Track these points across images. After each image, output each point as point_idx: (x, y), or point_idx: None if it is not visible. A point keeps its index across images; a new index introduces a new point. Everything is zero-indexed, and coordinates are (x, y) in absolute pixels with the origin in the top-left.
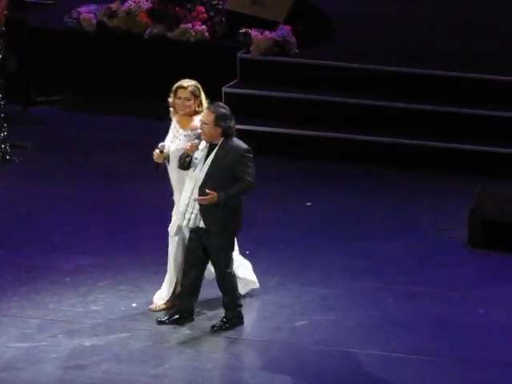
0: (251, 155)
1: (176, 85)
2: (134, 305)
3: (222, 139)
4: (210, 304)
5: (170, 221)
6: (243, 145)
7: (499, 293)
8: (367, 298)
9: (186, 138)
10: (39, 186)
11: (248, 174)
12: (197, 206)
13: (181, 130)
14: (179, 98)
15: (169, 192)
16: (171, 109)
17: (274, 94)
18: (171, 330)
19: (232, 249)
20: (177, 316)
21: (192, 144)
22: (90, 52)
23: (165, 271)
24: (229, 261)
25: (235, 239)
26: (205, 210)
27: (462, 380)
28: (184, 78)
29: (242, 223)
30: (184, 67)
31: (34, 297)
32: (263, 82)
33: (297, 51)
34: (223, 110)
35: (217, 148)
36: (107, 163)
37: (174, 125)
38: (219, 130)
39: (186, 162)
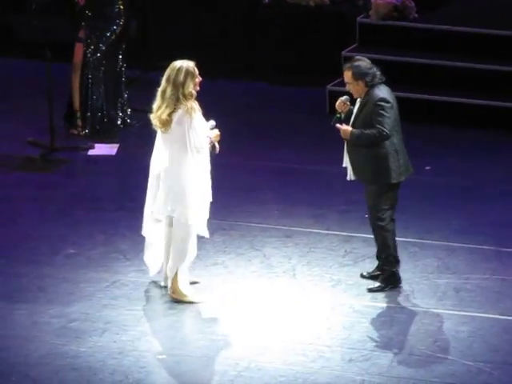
0: (387, 104)
1: (191, 68)
2: (253, 268)
3: (366, 91)
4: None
5: None
6: (380, 93)
7: None
8: (487, 262)
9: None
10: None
11: (380, 123)
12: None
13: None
14: (197, 76)
15: None
16: (191, 94)
17: (392, 58)
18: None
19: (385, 203)
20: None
21: (341, 101)
22: (208, 17)
23: None
24: (380, 214)
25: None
26: (352, 161)
27: None
28: (304, 42)
29: (396, 176)
30: (303, 32)
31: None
32: (382, 46)
33: (416, 16)
34: (359, 64)
35: (361, 99)
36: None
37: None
38: (362, 84)
39: (336, 120)
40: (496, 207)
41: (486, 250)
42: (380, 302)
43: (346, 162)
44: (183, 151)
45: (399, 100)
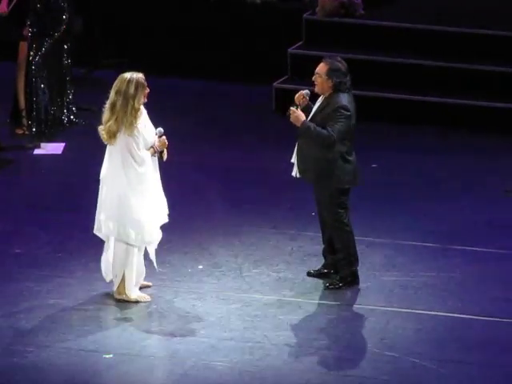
0: (346, 113)
1: (141, 80)
2: (201, 267)
3: (331, 92)
4: None
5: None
6: (343, 100)
7: None
8: (432, 260)
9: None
10: (104, 148)
11: (333, 127)
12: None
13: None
14: (147, 87)
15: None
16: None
17: (338, 55)
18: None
19: (340, 205)
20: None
21: (301, 94)
22: (155, 13)
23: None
24: (338, 216)
25: None
26: (299, 158)
27: None
28: (251, 40)
29: (339, 182)
30: (250, 29)
31: (99, 259)
32: (328, 43)
33: (362, 12)
34: (338, 65)
35: (322, 99)
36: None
37: (142, 127)
38: (330, 83)
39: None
40: (443, 205)
41: (432, 248)
42: (327, 299)
43: (294, 158)
44: (124, 165)
45: None
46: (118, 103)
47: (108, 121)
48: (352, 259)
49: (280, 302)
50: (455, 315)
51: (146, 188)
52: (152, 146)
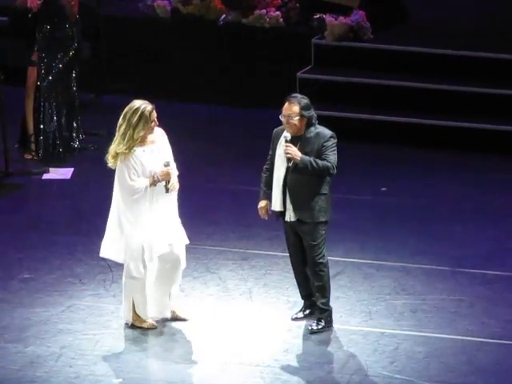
0: (336, 140)
1: (146, 113)
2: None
3: (305, 129)
4: None
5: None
6: (328, 131)
7: None
8: (443, 282)
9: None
10: (112, 173)
11: (332, 158)
12: (280, 202)
13: (151, 147)
14: (153, 121)
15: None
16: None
17: (348, 79)
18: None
19: (322, 240)
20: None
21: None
22: (164, 39)
23: None
24: (320, 251)
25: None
26: (295, 200)
27: None
28: (259, 64)
29: (330, 214)
30: (258, 53)
31: (109, 284)
32: (337, 67)
33: (371, 36)
34: (305, 100)
35: (300, 139)
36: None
37: (140, 153)
38: (305, 121)
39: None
40: (452, 227)
41: (442, 271)
42: (336, 323)
43: (281, 206)
44: (119, 189)
45: (353, 120)
46: (122, 128)
47: (113, 143)
48: (329, 297)
49: (290, 325)
50: (466, 338)
51: (137, 215)
52: (153, 176)
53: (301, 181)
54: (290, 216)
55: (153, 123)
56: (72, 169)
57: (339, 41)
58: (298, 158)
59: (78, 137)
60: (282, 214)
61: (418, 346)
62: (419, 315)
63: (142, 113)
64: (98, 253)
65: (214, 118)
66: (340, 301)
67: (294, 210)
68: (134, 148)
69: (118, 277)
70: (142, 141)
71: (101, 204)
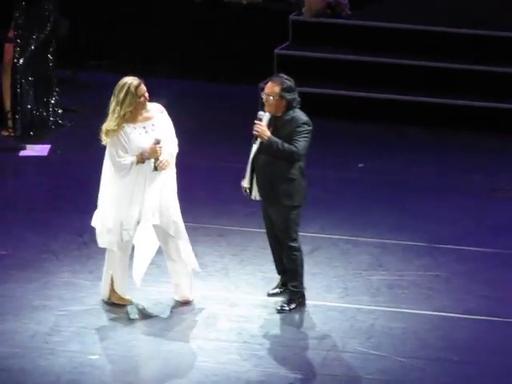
0: (309, 128)
1: (132, 88)
2: None
3: (284, 111)
4: None
5: None
6: (303, 117)
7: None
8: (420, 258)
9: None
10: (90, 150)
11: (299, 144)
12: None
13: (144, 124)
14: (142, 96)
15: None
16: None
17: (325, 55)
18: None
19: (295, 223)
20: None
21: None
22: (140, 16)
23: None
24: (293, 235)
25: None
26: (261, 180)
27: None
28: (236, 41)
29: (300, 199)
30: (236, 30)
31: (85, 260)
32: (315, 44)
33: (349, 13)
34: (288, 83)
35: (277, 120)
36: None
37: (130, 130)
38: (284, 102)
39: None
40: (429, 204)
41: (419, 247)
42: (313, 299)
43: (248, 182)
44: (109, 168)
45: (334, 97)
46: (112, 105)
47: (106, 119)
48: (301, 280)
49: (266, 302)
50: (442, 314)
51: (121, 191)
52: (141, 153)
53: (268, 162)
54: (255, 195)
55: (141, 98)
56: (49, 145)
57: (317, 17)
58: (265, 137)
59: (55, 113)
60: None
61: (395, 322)
62: (396, 291)
63: (128, 88)
64: (75, 229)
65: (189, 93)
66: (317, 277)
67: (259, 189)
68: (124, 125)
69: (95, 253)
70: (134, 117)
71: (78, 180)
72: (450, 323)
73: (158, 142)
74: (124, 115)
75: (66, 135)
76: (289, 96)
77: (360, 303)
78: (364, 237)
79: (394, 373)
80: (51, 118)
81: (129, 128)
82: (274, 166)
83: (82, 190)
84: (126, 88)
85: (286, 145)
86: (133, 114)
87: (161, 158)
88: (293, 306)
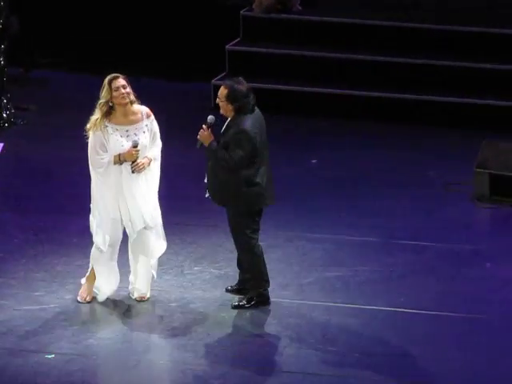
0: (247, 136)
1: (106, 81)
2: None
3: (233, 114)
4: None
5: None
6: (243, 125)
7: (507, 247)
8: (375, 254)
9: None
10: (43, 148)
11: (235, 154)
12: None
13: (127, 127)
14: (117, 90)
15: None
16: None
17: (276, 51)
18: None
19: (246, 227)
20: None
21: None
22: (93, 12)
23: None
24: (244, 238)
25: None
26: (208, 180)
27: (469, 335)
28: (187, 36)
29: (257, 203)
30: (186, 26)
31: (41, 259)
32: (266, 39)
33: (300, 8)
34: (238, 87)
35: (227, 123)
36: None
37: (112, 131)
38: (231, 107)
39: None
40: (383, 199)
41: (373, 243)
42: (270, 296)
43: (206, 179)
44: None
45: (283, 93)
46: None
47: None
48: (260, 280)
49: (222, 298)
50: (398, 310)
51: (103, 189)
52: (118, 154)
53: (213, 166)
54: (207, 192)
55: (116, 92)
56: (2, 144)
57: (268, 13)
58: (206, 144)
59: (7, 112)
60: None
61: (351, 319)
62: (351, 287)
63: (104, 81)
64: (30, 228)
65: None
66: (272, 274)
67: (208, 188)
68: (107, 124)
69: (49, 252)
70: (118, 117)
71: (31, 179)
72: (405, 319)
73: (135, 146)
74: (102, 107)
75: (18, 134)
76: (235, 102)
77: (316, 300)
78: (319, 233)
79: (350, 368)
80: (4, 117)
81: (111, 128)
82: (218, 171)
83: (35, 189)
84: (104, 82)
85: (222, 153)
86: (116, 112)
87: (137, 162)
88: (249, 303)
